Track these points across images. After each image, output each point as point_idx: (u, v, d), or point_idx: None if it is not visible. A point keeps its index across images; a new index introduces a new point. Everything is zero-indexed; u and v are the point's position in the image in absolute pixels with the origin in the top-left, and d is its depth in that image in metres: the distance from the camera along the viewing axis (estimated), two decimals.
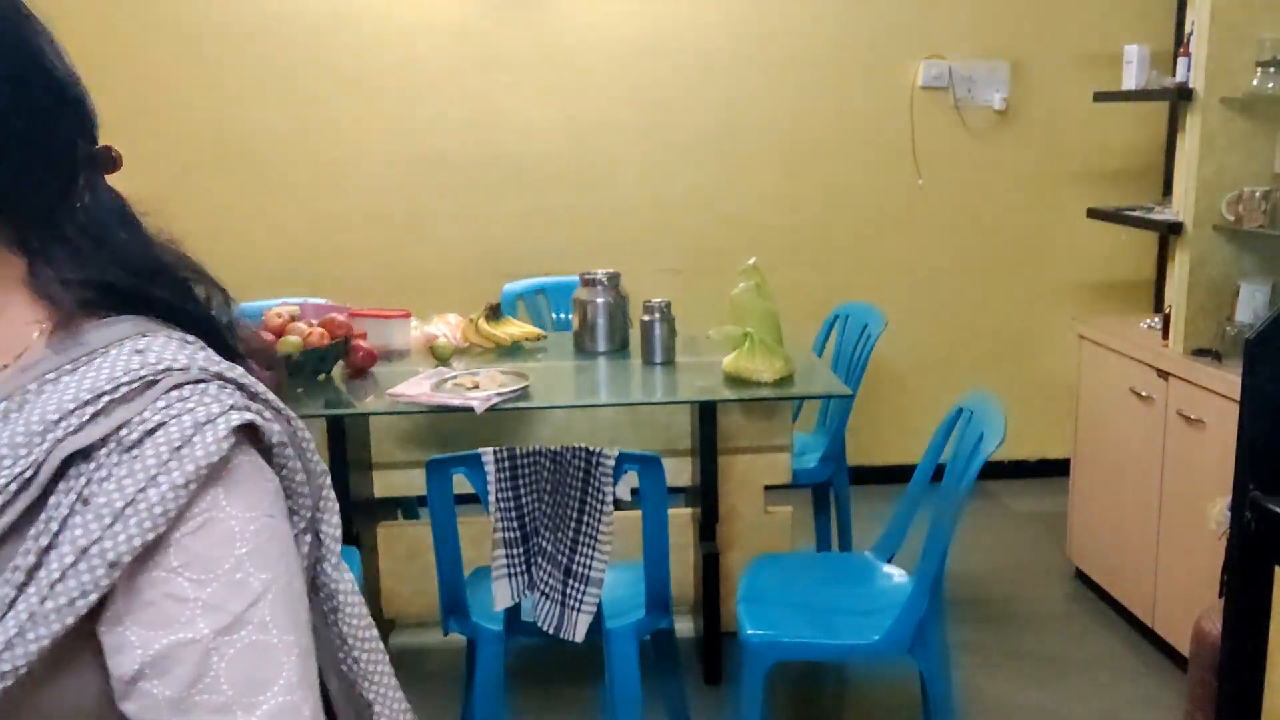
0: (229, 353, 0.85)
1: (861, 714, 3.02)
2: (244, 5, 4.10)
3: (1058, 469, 4.33)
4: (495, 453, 2.30)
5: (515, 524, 2.34)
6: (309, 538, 0.86)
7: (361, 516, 3.03)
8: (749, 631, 2.43)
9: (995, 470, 4.65)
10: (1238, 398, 1.91)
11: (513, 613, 2.43)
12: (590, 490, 2.31)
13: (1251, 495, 1.81)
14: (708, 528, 3.04)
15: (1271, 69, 2.87)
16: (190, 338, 0.83)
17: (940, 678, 2.43)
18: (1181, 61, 3.15)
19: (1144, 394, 3.17)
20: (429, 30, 4.17)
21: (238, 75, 4.14)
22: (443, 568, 2.44)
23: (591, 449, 2.30)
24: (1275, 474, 1.82)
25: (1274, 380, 1.81)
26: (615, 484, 2.31)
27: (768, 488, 3.21)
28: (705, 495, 3.03)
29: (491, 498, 2.32)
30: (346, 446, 2.94)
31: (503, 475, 2.30)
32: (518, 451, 2.32)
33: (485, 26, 4.20)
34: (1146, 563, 3.18)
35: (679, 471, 3.22)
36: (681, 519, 3.20)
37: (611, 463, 2.28)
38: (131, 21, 4.08)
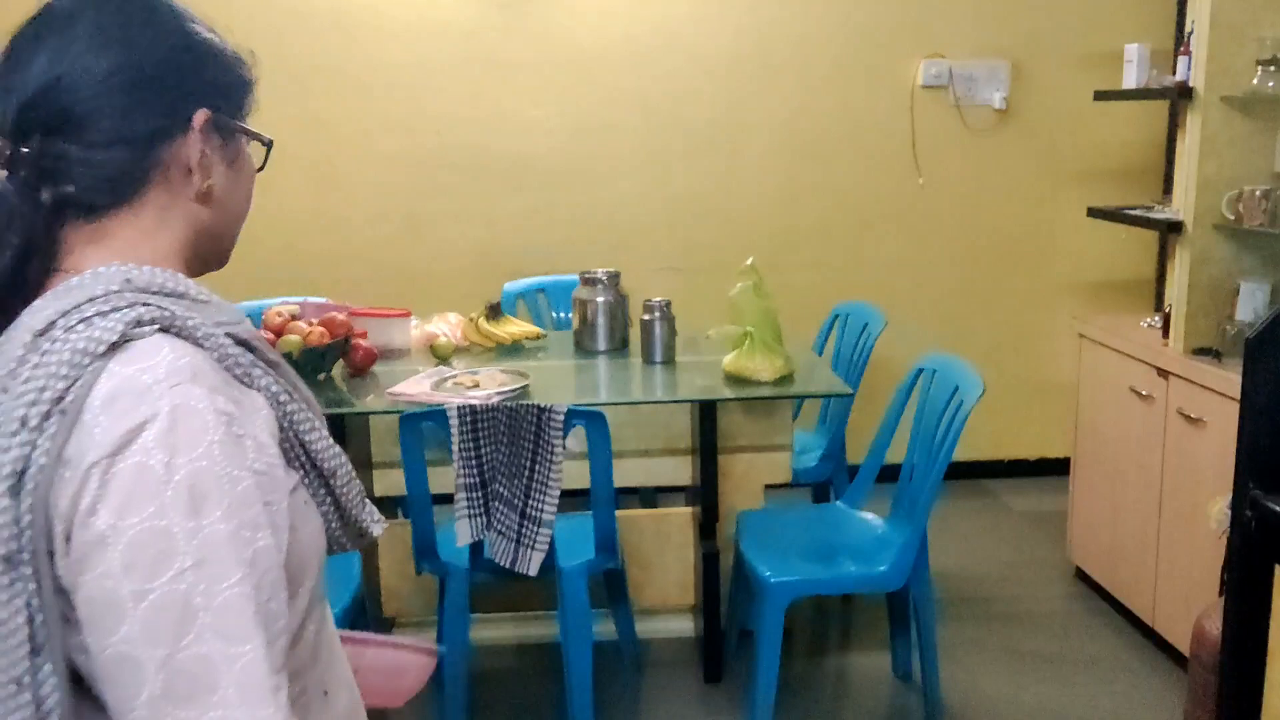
0: None
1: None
2: (244, 5, 4.10)
3: (1058, 468, 4.33)
4: (459, 408, 2.55)
5: (475, 471, 2.59)
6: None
7: None
8: (767, 574, 2.67)
9: (995, 470, 4.66)
10: (1238, 397, 1.91)
11: (476, 551, 2.68)
12: (541, 442, 2.55)
13: (1251, 495, 1.81)
14: (708, 527, 3.04)
15: (1271, 68, 2.87)
16: None
17: (929, 607, 2.80)
18: (1182, 60, 3.15)
19: (1144, 393, 3.17)
20: (429, 30, 4.17)
21: None
22: (414, 513, 2.69)
23: (543, 405, 2.54)
24: (1275, 474, 1.82)
25: (1274, 380, 1.81)
26: (565, 436, 2.54)
27: (768, 486, 3.21)
28: (705, 494, 3.03)
29: (455, 448, 2.56)
30: (346, 446, 2.94)
31: (464, 428, 2.55)
32: (478, 407, 2.56)
33: (486, 27, 4.20)
34: (1146, 562, 3.18)
35: (679, 471, 3.22)
36: (681, 518, 3.20)
37: (561, 417, 2.53)
38: None
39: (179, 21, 0.98)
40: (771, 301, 2.96)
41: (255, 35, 4.22)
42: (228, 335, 0.90)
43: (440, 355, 3.18)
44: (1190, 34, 3.08)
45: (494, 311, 3.37)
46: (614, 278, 3.30)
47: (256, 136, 1.03)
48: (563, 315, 3.95)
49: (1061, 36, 4.36)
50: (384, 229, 4.29)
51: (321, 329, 2.98)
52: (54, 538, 0.79)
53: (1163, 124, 4.37)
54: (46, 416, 0.79)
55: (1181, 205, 3.10)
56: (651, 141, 4.32)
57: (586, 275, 3.32)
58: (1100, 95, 3.76)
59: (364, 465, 3.14)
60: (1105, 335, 3.43)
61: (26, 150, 0.89)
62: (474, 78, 4.22)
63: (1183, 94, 3.04)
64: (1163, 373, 3.09)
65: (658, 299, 3.13)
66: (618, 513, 2.53)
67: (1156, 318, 3.37)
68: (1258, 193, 2.89)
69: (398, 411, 2.66)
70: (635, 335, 3.27)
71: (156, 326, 0.86)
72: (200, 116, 0.95)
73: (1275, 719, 1.79)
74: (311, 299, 3.33)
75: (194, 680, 0.77)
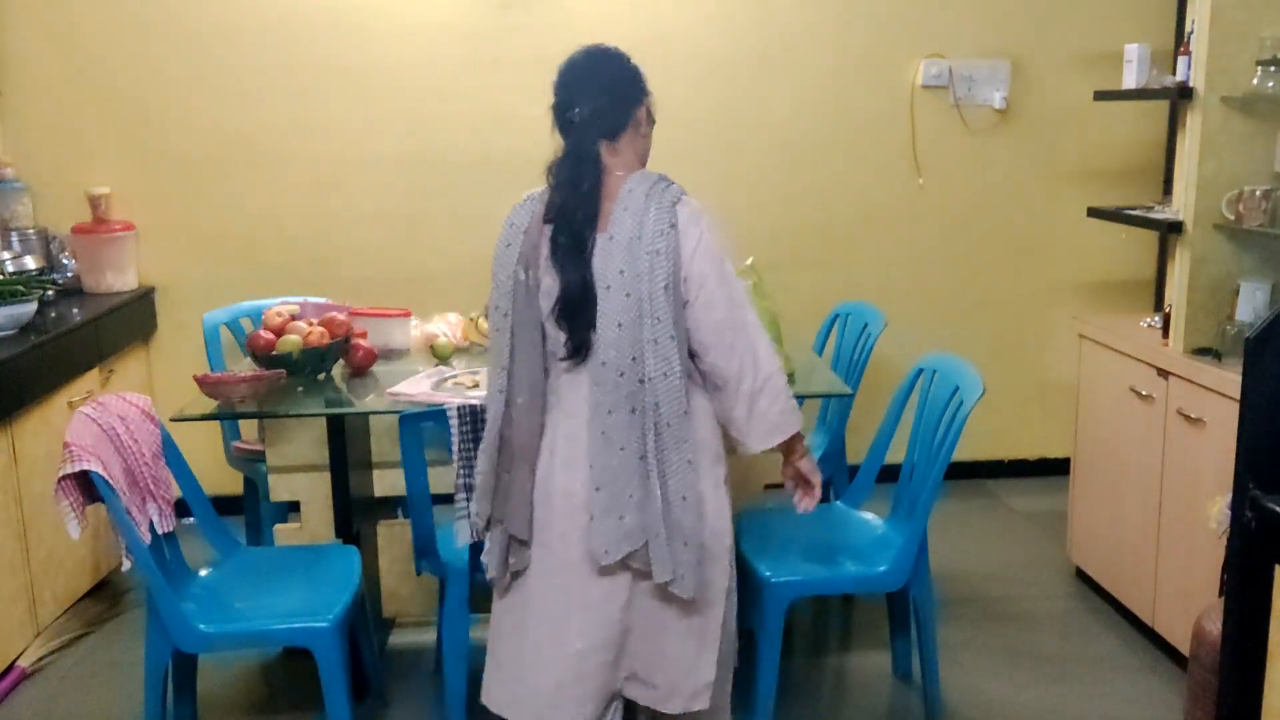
0: None
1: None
2: (245, 4, 4.10)
3: (1058, 468, 4.33)
4: (459, 408, 2.62)
5: (475, 471, 2.58)
6: None
7: (361, 515, 3.03)
8: (767, 574, 2.68)
9: (995, 470, 4.66)
10: (1238, 397, 1.91)
11: (476, 551, 2.58)
12: None
13: (1251, 495, 1.81)
14: None
15: (1272, 68, 2.87)
16: None
17: (929, 607, 2.80)
18: (1182, 60, 3.16)
19: (1144, 393, 3.17)
20: (429, 30, 4.17)
21: (238, 74, 4.14)
22: (414, 513, 2.69)
23: None
24: (1275, 474, 1.82)
25: (1274, 380, 1.81)
26: None
27: (768, 486, 3.21)
28: None
29: (454, 448, 2.60)
30: (346, 445, 2.94)
31: (464, 428, 2.62)
32: (478, 407, 2.59)
33: (485, 26, 4.20)
34: (1146, 562, 3.18)
35: None
36: None
37: None
38: (133, 20, 4.07)
39: (631, 61, 2.24)
40: (771, 301, 2.96)
41: (256, 35, 4.23)
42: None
43: (440, 355, 3.18)
44: (1190, 34, 3.08)
45: None
46: None
47: (652, 113, 2.26)
48: None
49: (1061, 36, 4.36)
50: (384, 229, 4.29)
51: (321, 329, 2.98)
52: (679, 277, 2.04)
53: (1163, 124, 4.37)
54: (670, 229, 2.04)
55: (1181, 205, 3.10)
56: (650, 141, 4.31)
57: None
58: (1100, 95, 3.76)
59: (364, 466, 3.14)
60: (1105, 335, 3.43)
61: (586, 114, 2.15)
62: (474, 77, 4.22)
63: (1183, 94, 3.04)
64: (1163, 373, 3.09)
65: None
66: None
67: (1156, 318, 3.37)
68: (1258, 193, 2.89)
69: (398, 411, 2.67)
70: None
71: (683, 193, 2.11)
72: (645, 98, 2.22)
73: (1275, 719, 1.79)
74: (311, 299, 3.33)
75: (745, 327, 2.10)
